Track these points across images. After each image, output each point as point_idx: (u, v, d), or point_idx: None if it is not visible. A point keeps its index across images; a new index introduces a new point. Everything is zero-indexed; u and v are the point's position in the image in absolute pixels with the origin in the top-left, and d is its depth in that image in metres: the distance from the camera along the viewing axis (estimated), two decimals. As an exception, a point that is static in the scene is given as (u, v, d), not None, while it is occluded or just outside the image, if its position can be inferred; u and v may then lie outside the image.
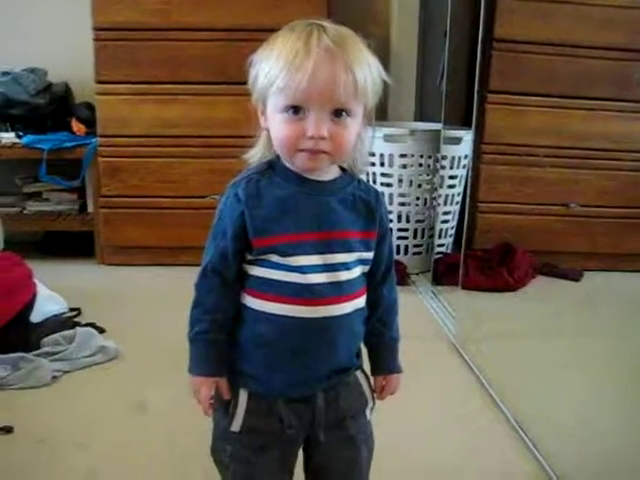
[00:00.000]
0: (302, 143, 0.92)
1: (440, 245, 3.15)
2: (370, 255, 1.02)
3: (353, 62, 0.90)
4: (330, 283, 0.96)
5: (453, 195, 3.12)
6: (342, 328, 0.99)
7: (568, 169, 3.14)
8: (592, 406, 1.91)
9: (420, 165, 3.02)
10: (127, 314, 2.49)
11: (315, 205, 0.97)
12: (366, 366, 1.09)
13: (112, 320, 2.35)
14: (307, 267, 0.95)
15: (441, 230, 3.13)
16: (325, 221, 0.97)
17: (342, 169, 1.02)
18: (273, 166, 0.99)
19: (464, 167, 3.10)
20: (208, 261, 0.98)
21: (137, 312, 2.52)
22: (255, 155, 1.01)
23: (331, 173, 0.99)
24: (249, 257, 0.97)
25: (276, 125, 0.94)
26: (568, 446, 1.70)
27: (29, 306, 2.18)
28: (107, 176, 3.05)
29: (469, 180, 3.04)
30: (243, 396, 1.00)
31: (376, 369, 1.10)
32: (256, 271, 0.97)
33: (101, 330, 2.26)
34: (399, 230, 3.07)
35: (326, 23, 0.93)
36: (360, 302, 1.01)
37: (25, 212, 3.24)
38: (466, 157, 3.07)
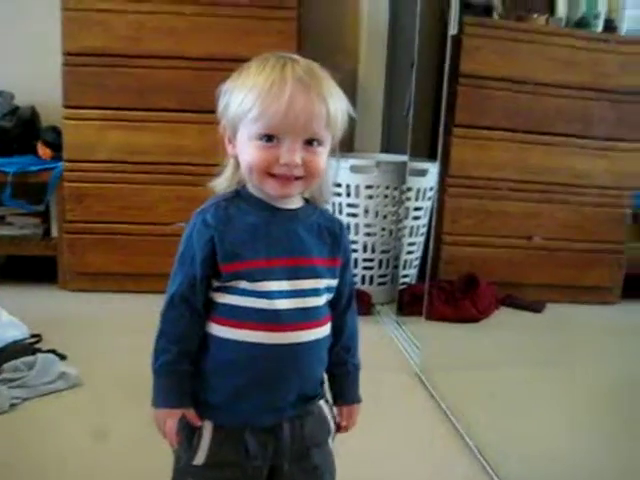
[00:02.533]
0: (274, 168, 0.93)
1: (405, 276, 3.17)
2: (335, 282, 1.03)
3: (326, 94, 0.93)
4: (298, 309, 0.97)
5: (418, 227, 3.15)
6: (309, 355, 1.00)
7: (531, 203, 3.20)
8: (554, 435, 1.92)
9: (386, 196, 3.05)
10: (89, 341, 2.45)
11: (284, 232, 0.98)
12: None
13: (74, 347, 2.32)
14: (276, 293, 0.96)
15: (406, 261, 3.16)
16: (294, 248, 0.98)
17: (305, 200, 1.03)
18: (240, 194, 1.00)
19: (429, 199, 3.14)
20: (175, 289, 0.97)
21: (100, 339, 2.48)
22: (221, 184, 1.02)
23: (296, 202, 1.01)
24: (216, 284, 0.97)
25: (248, 151, 0.95)
26: (530, 475, 1.71)
27: (-11, 331, 2.14)
28: (72, 201, 3.03)
29: (434, 212, 3.08)
30: (208, 428, 0.99)
31: (340, 399, 1.10)
32: (223, 298, 0.97)
33: (62, 357, 2.22)
34: (364, 260, 3.09)
35: (296, 56, 0.96)
36: (326, 329, 1.02)
37: (-13, 236, 3.19)
38: (431, 189, 3.11)
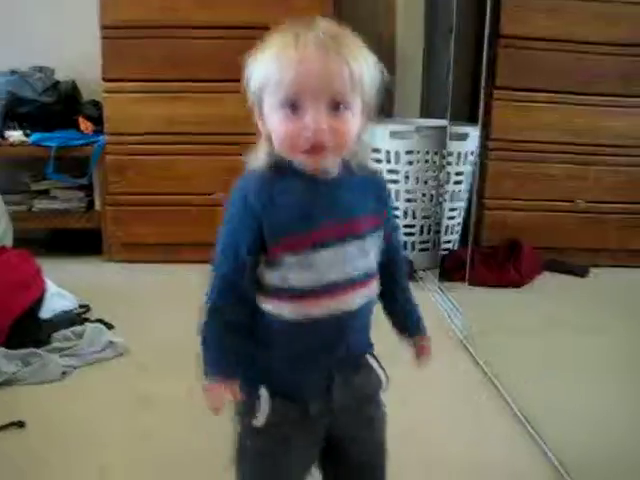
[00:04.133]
0: (303, 142, 0.90)
1: (447, 241, 3.16)
2: (382, 235, 1.03)
3: (346, 53, 0.89)
4: (348, 275, 0.97)
5: (459, 191, 3.12)
6: (360, 318, 1.01)
7: (575, 165, 3.14)
8: (597, 399, 1.92)
9: (426, 161, 3.03)
10: (135, 310, 2.50)
11: (327, 199, 0.96)
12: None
13: (120, 316, 2.37)
14: (325, 263, 0.95)
15: (447, 226, 3.14)
16: (339, 214, 0.96)
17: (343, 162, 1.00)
18: (279, 166, 0.96)
19: (470, 163, 3.10)
20: (221, 270, 0.96)
21: (144, 308, 2.53)
22: (258, 160, 0.98)
23: (335, 168, 0.98)
24: (265, 259, 0.96)
25: (275, 125, 0.92)
26: (574, 438, 1.70)
27: (39, 302, 2.19)
28: (114, 174, 3.07)
29: (475, 176, 3.04)
30: (264, 392, 1.00)
31: (411, 330, 1.14)
32: (272, 273, 0.96)
33: (110, 326, 2.27)
34: (405, 227, 3.07)
35: (321, 20, 0.92)
36: (375, 289, 1.03)
37: (33, 210, 3.25)
38: (472, 153, 3.07)
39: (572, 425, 1.77)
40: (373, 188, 1.02)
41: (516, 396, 1.91)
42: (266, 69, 0.91)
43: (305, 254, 0.94)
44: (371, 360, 1.08)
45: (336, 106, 0.90)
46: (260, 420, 1.00)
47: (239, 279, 0.96)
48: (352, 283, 0.98)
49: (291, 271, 0.95)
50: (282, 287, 0.96)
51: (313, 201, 0.95)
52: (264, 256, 0.96)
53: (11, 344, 2.04)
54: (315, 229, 0.95)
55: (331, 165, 0.96)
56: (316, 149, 0.90)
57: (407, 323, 1.14)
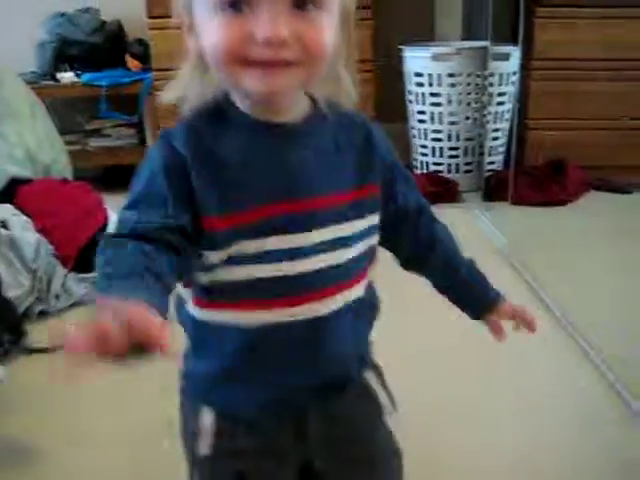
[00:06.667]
0: (251, 51, 0.62)
1: (490, 163, 3.18)
2: (376, 218, 0.74)
3: None
4: (317, 271, 0.69)
5: (502, 112, 3.13)
6: (337, 327, 0.72)
7: (620, 82, 3.09)
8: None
9: (468, 84, 3.04)
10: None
11: (281, 161, 0.68)
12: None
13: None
14: (280, 253, 0.67)
15: (491, 147, 3.15)
16: (299, 184, 0.68)
17: (312, 102, 0.72)
18: (219, 107, 0.69)
19: (513, 83, 3.10)
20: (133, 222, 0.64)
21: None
22: (189, 96, 0.71)
23: (298, 109, 0.70)
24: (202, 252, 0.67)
25: (209, 33, 0.64)
26: (618, 348, 1.76)
27: (103, 230, 2.31)
28: (163, 109, 3.13)
29: (518, 96, 3.04)
30: (207, 411, 0.74)
31: (482, 308, 0.89)
32: (208, 276, 0.69)
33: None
34: (450, 149, 3.12)
35: None
36: (358, 291, 0.74)
37: (87, 149, 3.36)
38: (515, 73, 3.07)
39: (614, 330, 1.83)
40: (356, 148, 0.72)
41: (563, 306, 1.97)
42: None
43: (259, 238, 0.67)
44: (371, 379, 0.80)
45: (301, 3, 0.62)
46: (203, 448, 0.74)
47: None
48: (329, 281, 0.70)
49: (239, 268, 0.67)
50: (229, 292, 0.69)
51: (259, 162, 0.68)
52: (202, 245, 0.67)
53: (79, 270, 2.17)
54: (261, 206, 0.67)
55: (293, 89, 0.67)
56: (273, 64, 0.62)
57: (466, 301, 0.90)
